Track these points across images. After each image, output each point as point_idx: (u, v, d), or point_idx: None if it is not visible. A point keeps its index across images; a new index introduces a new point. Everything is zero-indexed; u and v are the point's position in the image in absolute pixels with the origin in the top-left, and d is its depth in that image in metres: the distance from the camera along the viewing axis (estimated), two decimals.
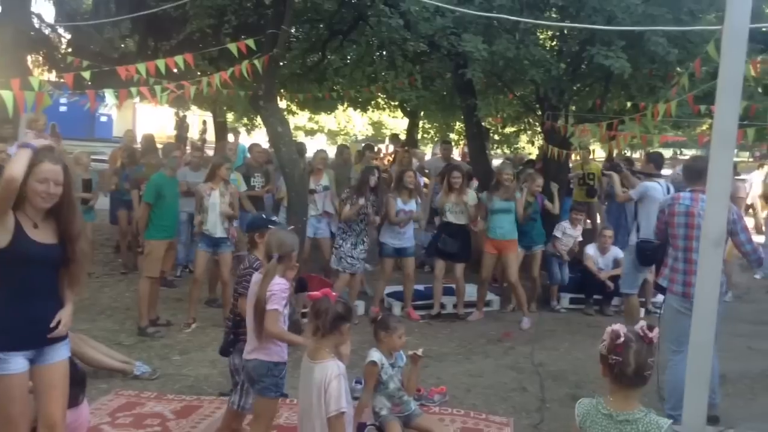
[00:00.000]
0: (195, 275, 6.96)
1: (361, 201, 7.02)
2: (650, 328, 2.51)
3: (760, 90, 10.39)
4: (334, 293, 3.42)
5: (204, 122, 23.74)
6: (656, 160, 6.98)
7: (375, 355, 4.19)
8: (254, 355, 3.77)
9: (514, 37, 8.49)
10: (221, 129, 18.06)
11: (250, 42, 7.24)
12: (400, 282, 7.87)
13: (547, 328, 7.36)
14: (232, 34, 9.96)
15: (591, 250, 8.26)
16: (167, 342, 6.38)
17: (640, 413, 2.48)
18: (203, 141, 19.05)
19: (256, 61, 6.93)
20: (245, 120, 19.45)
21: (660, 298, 8.25)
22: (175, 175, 7.12)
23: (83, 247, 3.30)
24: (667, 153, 52.78)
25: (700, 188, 4.53)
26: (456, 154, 16.28)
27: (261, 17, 10.69)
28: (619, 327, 2.51)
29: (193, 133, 24.47)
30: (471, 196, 7.81)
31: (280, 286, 3.68)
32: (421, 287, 7.85)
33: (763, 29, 7.86)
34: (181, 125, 21.68)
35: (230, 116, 20.43)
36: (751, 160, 37.22)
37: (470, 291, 7.95)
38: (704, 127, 14.83)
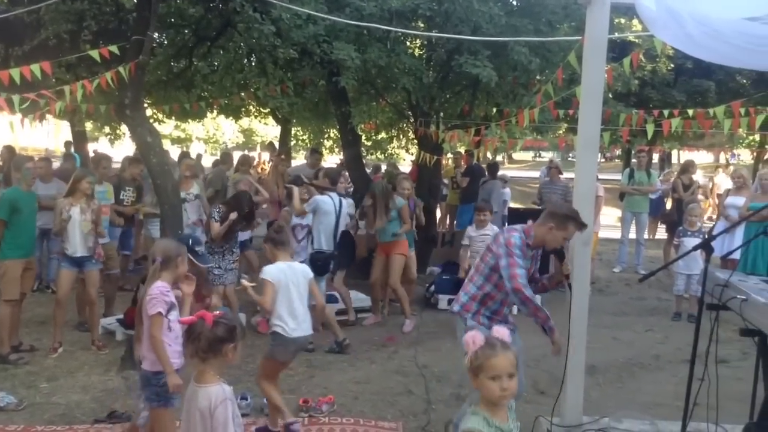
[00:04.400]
0: (58, 297, 6.45)
1: (233, 215, 6.91)
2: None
3: (610, 95, 11.18)
4: (216, 313, 3.25)
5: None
6: (331, 176, 7.30)
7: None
8: (142, 365, 3.81)
9: (385, 46, 8.63)
10: (80, 139, 17.04)
11: (114, 48, 6.89)
12: None
13: (428, 330, 7.52)
14: (92, 41, 9.44)
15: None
16: (32, 369, 5.92)
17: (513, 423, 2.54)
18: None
19: (121, 69, 6.59)
20: (107, 129, 18.48)
21: None
22: (31, 190, 6.63)
23: None
24: (528, 156, 55.44)
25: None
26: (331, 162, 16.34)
27: (122, 22, 10.21)
28: (475, 333, 2.53)
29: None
30: (350, 203, 7.90)
31: (159, 288, 3.70)
32: None
33: (615, 38, 8.45)
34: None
35: (89, 125, 19.34)
36: (603, 161, 40.08)
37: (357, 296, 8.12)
38: (561, 132, 15.78)
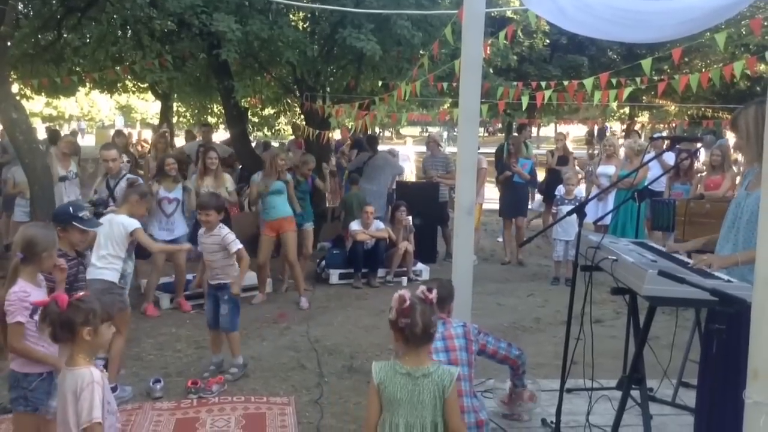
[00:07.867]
0: None
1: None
2: (429, 290, 2.75)
3: (491, 71, 11.50)
4: (74, 295, 3.05)
5: None
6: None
7: None
8: (10, 365, 3.47)
9: (267, 18, 8.46)
10: None
11: None
12: (168, 273, 7.53)
13: (320, 305, 7.52)
14: None
15: (355, 225, 8.59)
16: None
17: (433, 366, 2.72)
18: None
19: None
20: None
21: (420, 266, 8.90)
22: None
23: None
24: (415, 131, 56.26)
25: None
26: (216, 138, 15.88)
27: None
28: (404, 292, 2.70)
29: None
30: (228, 180, 7.73)
31: (17, 294, 3.36)
32: (189, 276, 7.57)
33: (493, 14, 8.68)
34: None
35: None
36: (486, 135, 41.30)
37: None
38: (445, 106, 16.10)
